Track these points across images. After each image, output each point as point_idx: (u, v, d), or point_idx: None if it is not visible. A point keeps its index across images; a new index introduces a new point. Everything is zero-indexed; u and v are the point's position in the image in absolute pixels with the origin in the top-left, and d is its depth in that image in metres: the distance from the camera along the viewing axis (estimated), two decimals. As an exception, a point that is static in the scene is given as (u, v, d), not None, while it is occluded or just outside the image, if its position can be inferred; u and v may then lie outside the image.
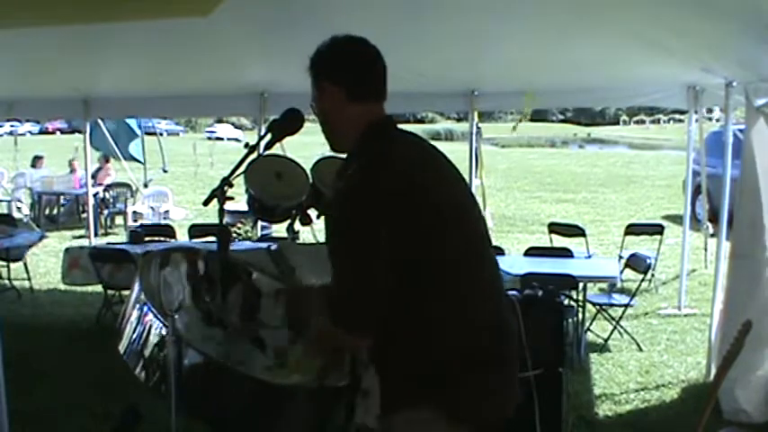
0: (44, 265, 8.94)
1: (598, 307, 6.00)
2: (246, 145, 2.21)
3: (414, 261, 1.75)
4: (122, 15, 3.28)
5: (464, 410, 1.77)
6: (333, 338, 1.88)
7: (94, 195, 10.97)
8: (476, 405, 1.79)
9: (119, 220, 12.28)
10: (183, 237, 7.90)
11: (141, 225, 9.37)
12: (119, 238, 10.47)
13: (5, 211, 12.73)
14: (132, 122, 12.89)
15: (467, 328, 1.80)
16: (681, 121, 38.87)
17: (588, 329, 5.95)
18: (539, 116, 44.26)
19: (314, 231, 2.99)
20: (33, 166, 14.21)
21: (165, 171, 15.87)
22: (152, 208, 12.07)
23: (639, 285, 6.09)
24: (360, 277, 1.74)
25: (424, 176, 1.82)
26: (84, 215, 11.04)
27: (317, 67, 1.91)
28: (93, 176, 11.59)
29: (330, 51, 1.91)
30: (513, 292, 3.90)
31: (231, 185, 2.16)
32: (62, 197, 12.94)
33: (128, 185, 12.56)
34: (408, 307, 1.77)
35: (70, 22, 3.42)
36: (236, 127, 42.05)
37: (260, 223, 7.94)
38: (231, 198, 2.16)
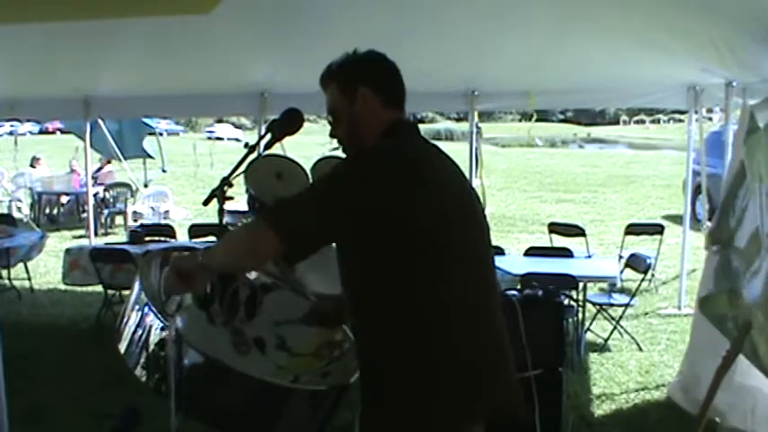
0: (44, 265, 8.94)
1: (598, 307, 6.00)
2: (246, 145, 2.21)
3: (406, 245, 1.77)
4: (123, 12, 3.27)
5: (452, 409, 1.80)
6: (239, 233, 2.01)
7: (94, 195, 10.97)
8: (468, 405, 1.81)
9: (119, 220, 12.29)
10: (183, 237, 7.90)
11: (141, 225, 9.36)
12: (119, 238, 10.47)
13: (5, 211, 12.73)
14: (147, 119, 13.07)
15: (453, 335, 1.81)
16: (681, 121, 38.86)
17: (588, 329, 5.95)
18: (539, 116, 44.11)
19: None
20: (32, 166, 14.22)
21: (164, 171, 15.92)
22: (152, 208, 12.07)
23: (639, 285, 6.09)
24: (317, 214, 1.77)
25: (425, 169, 1.86)
26: (85, 215, 11.05)
27: (345, 73, 1.97)
28: (94, 176, 11.60)
29: (358, 59, 1.98)
30: (513, 292, 3.90)
31: (231, 185, 2.16)
32: (63, 197, 12.95)
33: (128, 185, 12.57)
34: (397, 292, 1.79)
35: (70, 19, 3.43)
36: (236, 127, 42.00)
37: (260, 223, 7.93)
38: (231, 198, 2.16)
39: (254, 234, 1.83)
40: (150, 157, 13.97)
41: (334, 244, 1.86)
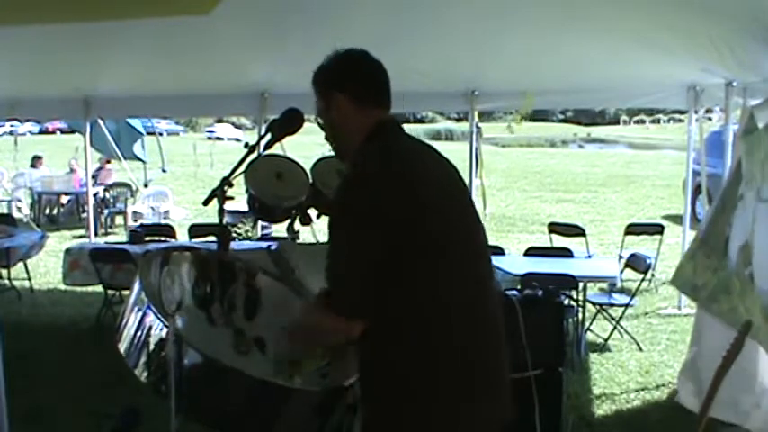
0: (44, 265, 8.94)
1: (598, 307, 6.01)
2: (246, 145, 2.21)
3: (396, 256, 1.76)
4: (124, 13, 3.28)
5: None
6: (315, 328, 1.94)
7: (94, 195, 10.97)
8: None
9: (119, 220, 12.29)
10: (183, 237, 7.90)
11: (141, 225, 9.36)
12: (119, 238, 10.48)
13: (5, 211, 12.73)
14: (136, 122, 12.95)
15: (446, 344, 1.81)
16: (681, 121, 38.85)
17: (588, 329, 5.95)
18: (539, 116, 44.18)
19: (314, 231, 2.99)
20: (33, 166, 14.22)
21: (164, 171, 15.89)
22: (152, 208, 12.07)
23: (639, 285, 6.09)
24: (350, 265, 1.78)
25: (415, 173, 1.84)
26: (85, 215, 11.05)
27: (322, 79, 1.97)
28: (94, 176, 11.59)
29: (334, 63, 1.96)
30: (513, 292, 3.90)
31: (231, 185, 2.16)
32: (63, 197, 12.95)
33: (128, 185, 12.57)
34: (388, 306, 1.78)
35: (71, 20, 3.43)
36: (236, 127, 42.01)
37: (260, 223, 7.94)
38: (231, 198, 2.17)
39: (329, 327, 1.85)
40: (141, 161, 13.80)
41: (332, 244, 1.84)
